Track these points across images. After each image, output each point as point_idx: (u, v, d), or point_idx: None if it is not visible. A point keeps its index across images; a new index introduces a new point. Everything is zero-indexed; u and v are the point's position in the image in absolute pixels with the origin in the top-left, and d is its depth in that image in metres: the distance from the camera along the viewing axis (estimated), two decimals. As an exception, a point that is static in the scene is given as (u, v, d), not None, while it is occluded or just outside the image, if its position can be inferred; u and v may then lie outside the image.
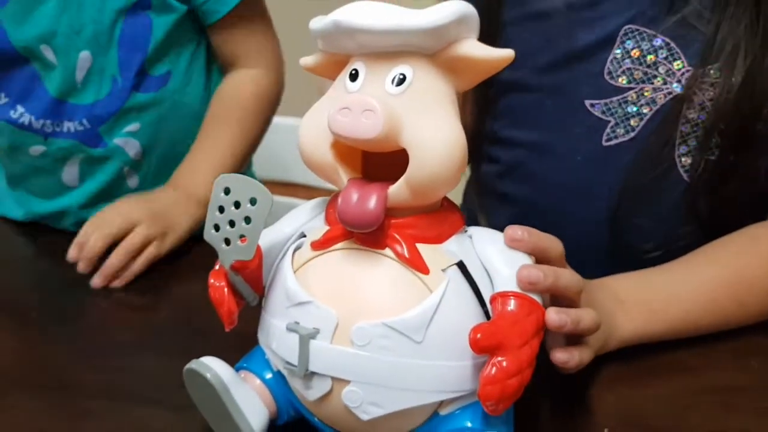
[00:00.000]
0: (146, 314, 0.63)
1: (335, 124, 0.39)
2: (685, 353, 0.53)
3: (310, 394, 0.41)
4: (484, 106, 0.60)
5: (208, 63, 0.80)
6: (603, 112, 0.58)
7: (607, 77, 0.58)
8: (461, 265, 0.41)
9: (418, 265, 0.40)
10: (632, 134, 0.58)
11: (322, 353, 0.40)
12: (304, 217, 0.46)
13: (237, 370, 0.47)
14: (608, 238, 0.59)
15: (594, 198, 0.60)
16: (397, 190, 0.39)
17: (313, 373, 0.40)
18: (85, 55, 0.68)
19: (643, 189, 0.58)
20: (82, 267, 0.65)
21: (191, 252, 0.66)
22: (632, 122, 0.57)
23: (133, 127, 0.73)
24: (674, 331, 0.53)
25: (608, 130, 0.58)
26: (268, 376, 0.46)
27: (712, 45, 0.54)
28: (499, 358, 0.38)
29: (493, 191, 0.64)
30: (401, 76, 0.39)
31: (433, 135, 0.39)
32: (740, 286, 0.54)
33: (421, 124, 0.39)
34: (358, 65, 0.41)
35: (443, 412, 0.40)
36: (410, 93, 0.39)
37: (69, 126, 0.71)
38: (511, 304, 0.39)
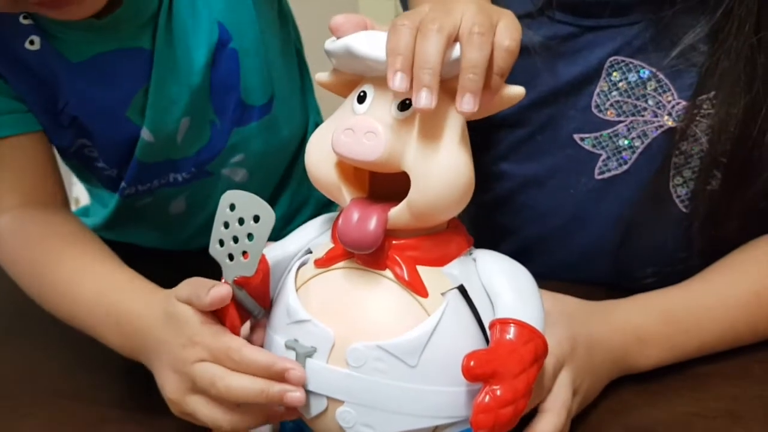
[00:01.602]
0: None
1: (338, 144, 0.39)
2: (691, 361, 0.53)
3: (307, 411, 0.41)
4: (472, 140, 0.60)
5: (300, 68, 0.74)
6: (593, 146, 0.57)
7: (595, 111, 0.57)
8: (462, 289, 0.41)
9: (417, 287, 0.40)
10: (625, 167, 0.57)
11: (318, 372, 0.40)
12: (313, 233, 0.47)
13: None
14: (605, 266, 0.57)
15: (589, 229, 0.59)
16: (397, 213, 0.39)
17: (309, 392, 0.40)
18: (184, 121, 0.64)
19: (640, 221, 0.57)
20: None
21: (199, 265, 0.65)
22: (624, 155, 0.56)
23: (238, 158, 0.70)
24: (688, 358, 0.53)
25: (600, 163, 0.57)
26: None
27: (710, 76, 0.52)
28: (494, 387, 0.37)
29: (484, 223, 0.63)
30: (408, 102, 0.39)
31: (436, 161, 0.38)
32: (759, 314, 0.53)
33: (425, 149, 0.39)
34: (367, 88, 0.41)
35: (439, 437, 0.40)
36: (416, 118, 0.39)
37: (175, 176, 0.68)
38: (510, 332, 0.39)
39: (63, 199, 0.64)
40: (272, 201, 0.76)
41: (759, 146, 0.52)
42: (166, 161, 0.66)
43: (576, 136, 0.57)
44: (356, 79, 0.43)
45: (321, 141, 0.41)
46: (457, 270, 0.41)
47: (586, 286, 0.57)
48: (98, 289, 0.53)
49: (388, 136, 0.38)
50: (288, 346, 0.41)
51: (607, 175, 0.57)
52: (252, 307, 0.44)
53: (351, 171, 0.42)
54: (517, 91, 0.40)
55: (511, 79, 0.39)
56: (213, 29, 0.62)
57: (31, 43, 0.58)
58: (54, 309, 0.56)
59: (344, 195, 0.41)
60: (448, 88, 0.39)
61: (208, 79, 0.62)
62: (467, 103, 0.37)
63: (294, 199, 0.79)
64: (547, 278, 0.46)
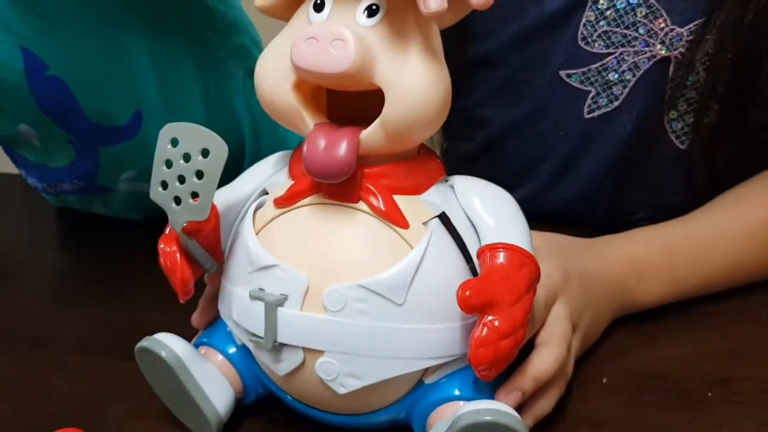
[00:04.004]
0: (120, 266, 0.59)
1: (300, 56, 0.34)
2: (692, 301, 0.50)
3: (280, 368, 0.36)
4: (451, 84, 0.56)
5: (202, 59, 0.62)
6: (581, 82, 0.53)
7: (581, 43, 0.53)
8: (444, 218, 0.37)
9: (396, 218, 0.36)
10: (616, 103, 0.53)
11: (292, 321, 0.35)
12: (266, 173, 0.41)
13: (196, 346, 0.42)
14: (597, 210, 0.55)
15: (580, 174, 0.55)
16: (370, 133, 0.35)
17: (282, 345, 0.35)
18: (25, 129, 0.58)
19: (634, 159, 0.54)
20: None
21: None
22: (615, 90, 0.53)
23: (128, 174, 0.62)
24: (692, 295, 0.50)
25: (589, 101, 0.54)
26: (232, 350, 0.41)
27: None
28: (491, 318, 0.34)
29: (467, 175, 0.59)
30: (374, 7, 0.35)
31: (411, 72, 0.34)
32: (766, 245, 0.50)
33: (398, 59, 0.34)
34: None
35: (429, 380, 0.37)
36: (384, 25, 0.35)
37: (65, 186, 0.63)
38: (501, 257, 0.35)
39: None
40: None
41: (758, 74, 0.49)
42: (43, 166, 0.61)
43: (562, 73, 0.53)
44: None
45: (274, 59, 0.36)
46: (436, 197, 0.37)
47: (577, 229, 0.53)
48: None
49: (359, 44, 0.33)
50: (253, 297, 0.36)
51: (596, 113, 0.53)
52: (203, 259, 0.39)
53: (308, 94, 0.37)
54: None
55: (490, 13, 0.35)
56: (15, 54, 0.53)
57: None
58: None
59: (306, 120, 0.36)
60: None
61: (33, 101, 0.55)
62: (434, 1, 0.31)
63: None
64: (536, 227, 0.42)
